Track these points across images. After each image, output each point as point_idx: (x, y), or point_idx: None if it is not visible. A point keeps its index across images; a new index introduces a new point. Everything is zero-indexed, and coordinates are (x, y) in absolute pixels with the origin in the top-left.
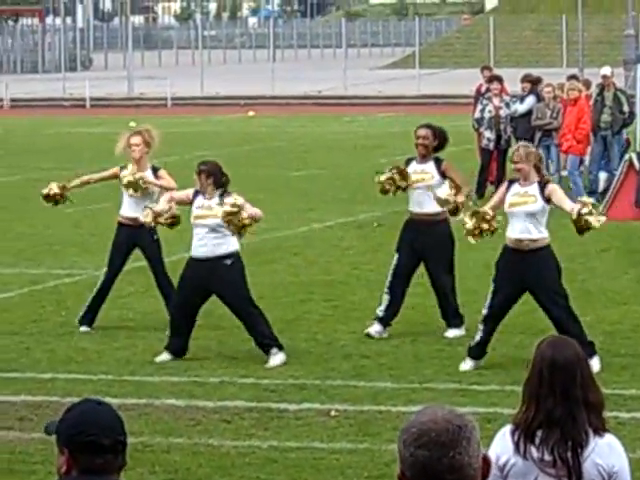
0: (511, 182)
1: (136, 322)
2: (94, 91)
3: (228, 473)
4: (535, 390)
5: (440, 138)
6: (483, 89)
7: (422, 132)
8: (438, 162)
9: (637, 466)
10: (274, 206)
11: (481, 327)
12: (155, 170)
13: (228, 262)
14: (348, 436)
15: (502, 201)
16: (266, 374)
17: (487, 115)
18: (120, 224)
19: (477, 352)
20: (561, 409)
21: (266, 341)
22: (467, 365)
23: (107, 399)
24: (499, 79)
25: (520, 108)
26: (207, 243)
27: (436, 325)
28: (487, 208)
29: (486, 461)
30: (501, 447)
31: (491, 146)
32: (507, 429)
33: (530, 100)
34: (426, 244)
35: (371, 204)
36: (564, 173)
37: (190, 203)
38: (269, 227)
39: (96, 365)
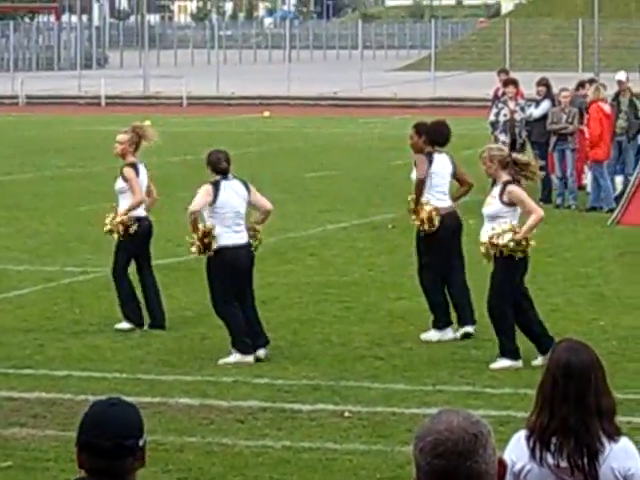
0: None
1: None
2: (109, 89)
3: (241, 473)
4: (549, 396)
5: (426, 133)
6: (500, 92)
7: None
8: (430, 155)
9: None
10: (289, 207)
11: None
12: (134, 165)
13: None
14: (361, 437)
15: None
16: (280, 374)
17: (502, 119)
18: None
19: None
20: (575, 417)
21: None
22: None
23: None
24: (515, 82)
25: (535, 112)
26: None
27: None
28: None
29: (502, 464)
30: (516, 454)
31: None
32: (522, 434)
33: (545, 104)
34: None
35: (386, 205)
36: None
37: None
38: (284, 227)
39: (110, 363)
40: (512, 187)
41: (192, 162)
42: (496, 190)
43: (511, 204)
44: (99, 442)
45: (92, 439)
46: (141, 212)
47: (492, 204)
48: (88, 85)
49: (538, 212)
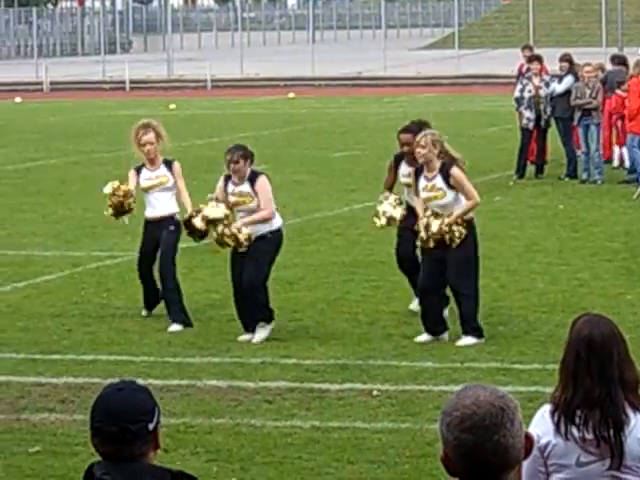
0: (418, 171)
1: None
2: (133, 74)
3: (270, 453)
4: (572, 370)
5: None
6: (524, 69)
7: (404, 137)
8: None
9: None
10: (316, 187)
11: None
12: (169, 164)
13: (269, 235)
14: (390, 416)
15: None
16: (308, 354)
17: (527, 95)
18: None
19: (431, 326)
20: (599, 389)
21: None
22: (423, 337)
23: (149, 381)
24: (539, 58)
25: (558, 88)
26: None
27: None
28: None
29: (529, 439)
30: (541, 429)
31: (531, 126)
32: (546, 409)
33: (568, 80)
34: None
35: None
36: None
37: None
38: (311, 208)
39: (138, 347)
40: (454, 169)
41: (217, 145)
42: (438, 181)
43: (454, 188)
44: (106, 427)
45: (99, 424)
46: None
47: (441, 197)
48: (112, 70)
49: (475, 198)
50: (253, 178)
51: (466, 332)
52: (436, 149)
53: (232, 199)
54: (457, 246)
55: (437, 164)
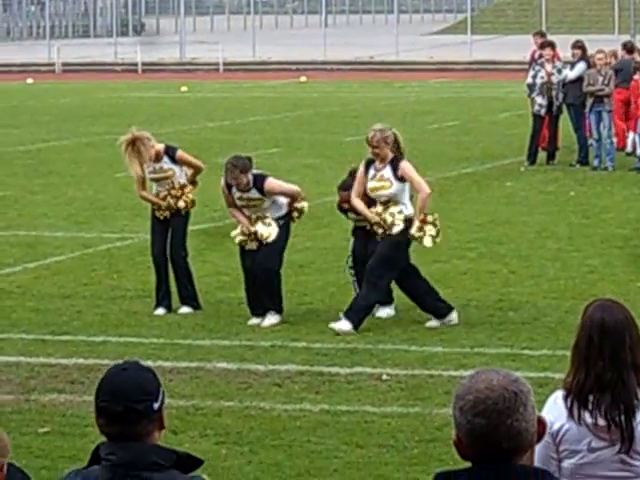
0: (368, 163)
1: None
2: (146, 56)
3: (279, 436)
4: (584, 354)
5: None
6: (537, 55)
7: (344, 195)
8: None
9: None
10: (326, 171)
11: None
12: (171, 151)
13: (280, 222)
14: (399, 400)
15: (363, 184)
16: (318, 338)
17: (539, 81)
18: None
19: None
20: (611, 373)
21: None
22: (432, 323)
23: (159, 362)
24: (552, 45)
25: (570, 74)
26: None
27: (488, 290)
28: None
29: (541, 423)
30: (553, 414)
31: (542, 112)
32: (558, 395)
33: (580, 66)
34: None
35: (422, 169)
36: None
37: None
38: (322, 192)
39: (148, 328)
40: (404, 162)
41: (229, 128)
42: (387, 172)
43: (403, 180)
44: (111, 407)
45: (105, 404)
46: None
47: (389, 186)
48: (124, 52)
49: (425, 190)
50: (258, 183)
51: (347, 316)
52: (388, 145)
53: (240, 203)
54: (389, 240)
55: (389, 156)
